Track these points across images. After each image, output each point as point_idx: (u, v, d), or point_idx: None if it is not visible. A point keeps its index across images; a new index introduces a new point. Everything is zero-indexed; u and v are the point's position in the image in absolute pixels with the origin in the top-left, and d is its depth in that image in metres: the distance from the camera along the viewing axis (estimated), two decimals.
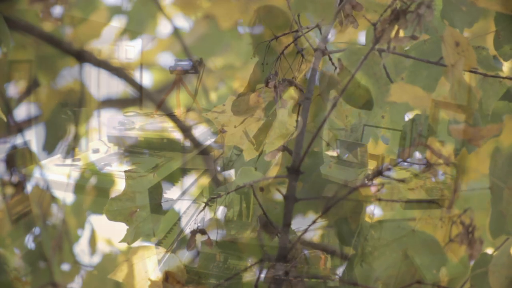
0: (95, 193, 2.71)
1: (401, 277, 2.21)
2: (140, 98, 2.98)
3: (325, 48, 2.10)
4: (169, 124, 2.98)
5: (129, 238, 2.37)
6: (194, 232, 2.17)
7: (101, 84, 2.86)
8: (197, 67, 2.94)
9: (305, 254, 2.41)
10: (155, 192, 2.71)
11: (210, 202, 2.45)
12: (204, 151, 2.95)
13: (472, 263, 2.19)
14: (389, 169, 2.08)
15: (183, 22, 2.92)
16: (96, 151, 2.97)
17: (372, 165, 2.70)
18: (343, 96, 2.36)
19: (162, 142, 2.98)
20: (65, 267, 2.65)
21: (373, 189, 2.30)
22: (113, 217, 2.31)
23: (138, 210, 2.31)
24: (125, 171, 2.30)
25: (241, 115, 2.57)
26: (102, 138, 3.03)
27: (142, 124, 3.04)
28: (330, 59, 2.12)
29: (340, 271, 2.43)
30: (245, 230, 2.65)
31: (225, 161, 2.65)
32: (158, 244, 2.65)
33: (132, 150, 2.97)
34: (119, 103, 3.03)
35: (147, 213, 2.36)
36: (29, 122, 2.72)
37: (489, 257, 2.16)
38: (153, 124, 3.03)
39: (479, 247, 2.12)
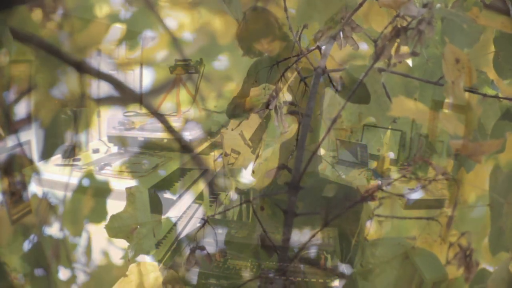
0: (92, 202, 2.72)
1: None
2: (140, 96, 2.97)
3: (325, 67, 2.08)
4: (169, 124, 2.98)
5: (129, 255, 2.38)
6: (193, 249, 2.17)
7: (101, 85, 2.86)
8: (197, 67, 2.93)
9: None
10: (155, 192, 2.72)
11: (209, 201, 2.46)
12: (204, 152, 2.95)
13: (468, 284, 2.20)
14: (389, 184, 2.07)
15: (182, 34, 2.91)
16: (96, 151, 2.97)
17: (372, 165, 2.72)
18: (340, 93, 2.35)
19: (162, 142, 2.99)
20: (63, 275, 2.66)
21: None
22: (114, 234, 2.31)
23: (138, 227, 2.31)
24: (126, 188, 2.30)
25: (237, 118, 2.57)
26: (102, 138, 3.03)
27: (142, 124, 3.04)
28: (330, 80, 2.10)
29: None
30: (245, 230, 2.66)
31: (225, 163, 2.66)
32: (157, 245, 2.66)
33: (132, 150, 2.98)
34: (120, 100, 3.03)
35: (147, 230, 2.35)
36: (28, 130, 2.72)
37: (488, 273, 2.16)
38: (153, 124, 3.03)
39: (475, 270, 2.13)
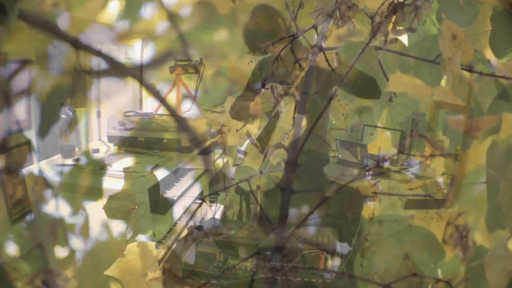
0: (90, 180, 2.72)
1: (399, 271, 2.20)
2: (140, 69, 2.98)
3: (322, 45, 2.09)
4: (169, 124, 2.98)
5: (128, 235, 2.37)
6: (191, 229, 2.16)
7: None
8: (197, 67, 2.94)
9: (302, 254, 2.41)
10: (155, 192, 2.72)
11: (209, 201, 2.44)
12: (204, 151, 2.95)
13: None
14: (385, 160, 2.07)
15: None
16: (96, 151, 2.97)
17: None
18: (347, 88, 2.36)
19: (162, 142, 2.99)
20: (60, 253, 2.64)
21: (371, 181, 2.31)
22: (111, 214, 2.31)
23: (136, 207, 2.31)
24: (124, 169, 2.30)
25: (241, 120, 2.57)
26: (102, 138, 3.04)
27: (142, 124, 3.04)
28: (326, 59, 2.11)
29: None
30: (245, 230, 2.65)
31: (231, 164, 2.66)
32: (158, 244, 2.65)
33: (132, 150, 2.98)
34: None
35: (145, 210, 2.35)
36: (28, 119, 2.72)
37: (485, 250, 2.15)
38: (153, 124, 3.03)
39: (471, 250, 2.12)
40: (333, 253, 2.49)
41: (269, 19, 2.61)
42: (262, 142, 2.51)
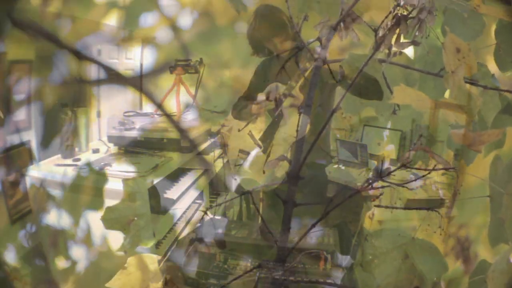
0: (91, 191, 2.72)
1: (401, 284, 2.21)
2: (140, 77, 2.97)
3: (325, 58, 2.08)
4: (169, 124, 2.97)
5: (127, 246, 2.37)
6: (192, 241, 2.16)
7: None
8: (197, 67, 2.93)
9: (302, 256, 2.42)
10: (155, 192, 2.71)
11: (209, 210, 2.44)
12: (204, 151, 2.94)
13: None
14: (389, 174, 2.06)
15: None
16: (96, 151, 2.96)
17: (372, 165, 2.72)
18: (351, 90, 2.36)
19: (162, 142, 2.98)
20: (61, 264, 2.65)
21: (372, 192, 2.31)
22: (110, 225, 2.30)
23: (135, 218, 2.31)
24: (123, 180, 2.29)
25: (243, 120, 2.56)
26: (102, 138, 3.03)
27: (142, 124, 3.03)
28: (330, 71, 2.10)
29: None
30: (245, 230, 2.65)
31: (232, 164, 2.65)
32: (157, 245, 2.65)
33: (132, 150, 2.97)
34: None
35: (145, 221, 2.35)
36: (27, 119, 2.72)
37: (488, 264, 2.16)
38: (153, 124, 3.02)
39: (473, 262, 2.13)
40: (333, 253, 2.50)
41: (274, 18, 2.59)
42: (265, 142, 2.50)
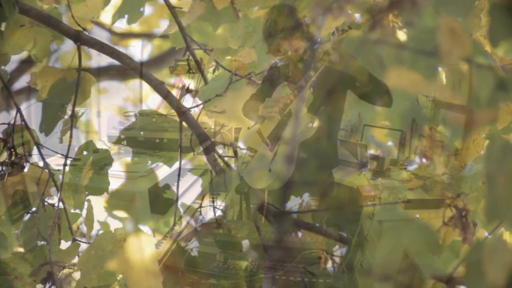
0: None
1: (398, 265, 2.21)
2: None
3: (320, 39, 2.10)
4: (169, 124, 2.97)
5: (128, 227, 2.38)
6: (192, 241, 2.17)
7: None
8: (197, 66, 2.93)
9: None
10: (155, 192, 2.72)
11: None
12: (205, 151, 2.95)
13: (466, 246, 2.19)
14: (389, 169, 2.08)
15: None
16: (96, 151, 2.96)
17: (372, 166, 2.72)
18: (358, 94, 2.36)
19: (162, 142, 2.98)
20: (63, 245, 2.65)
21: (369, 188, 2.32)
22: (112, 207, 2.31)
23: (137, 200, 2.32)
24: (126, 163, 2.30)
25: (251, 120, 2.57)
26: (102, 138, 3.03)
27: (142, 124, 3.04)
28: (328, 53, 2.10)
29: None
30: (245, 230, 2.66)
31: (240, 163, 2.65)
32: (157, 245, 2.66)
33: (132, 150, 2.97)
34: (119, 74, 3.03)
35: (145, 203, 2.35)
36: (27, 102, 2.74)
37: (484, 245, 2.15)
38: (153, 124, 3.02)
39: (472, 230, 2.12)
40: (336, 239, 2.50)
41: (290, 17, 2.59)
42: (273, 140, 2.51)
